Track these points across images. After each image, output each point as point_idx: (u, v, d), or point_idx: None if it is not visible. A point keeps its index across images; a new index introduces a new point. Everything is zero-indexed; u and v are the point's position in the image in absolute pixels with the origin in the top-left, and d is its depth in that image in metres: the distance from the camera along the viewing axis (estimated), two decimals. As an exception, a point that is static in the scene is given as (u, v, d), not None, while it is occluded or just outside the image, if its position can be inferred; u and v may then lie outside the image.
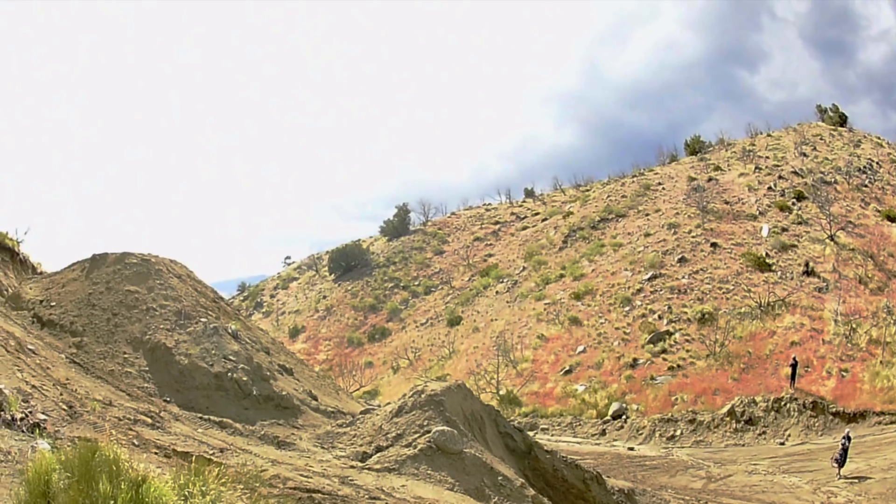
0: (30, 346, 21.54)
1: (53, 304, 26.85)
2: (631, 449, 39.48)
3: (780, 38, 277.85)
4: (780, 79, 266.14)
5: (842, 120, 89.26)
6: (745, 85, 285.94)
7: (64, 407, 17.15)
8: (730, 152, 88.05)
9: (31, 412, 15.55)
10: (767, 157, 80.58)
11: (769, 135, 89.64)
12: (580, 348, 53.52)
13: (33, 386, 17.65)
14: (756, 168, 77.18)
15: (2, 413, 14.14)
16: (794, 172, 73.80)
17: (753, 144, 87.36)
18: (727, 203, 70.37)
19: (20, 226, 35.18)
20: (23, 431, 13.99)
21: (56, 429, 15.34)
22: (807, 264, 56.01)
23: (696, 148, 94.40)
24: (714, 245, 61.89)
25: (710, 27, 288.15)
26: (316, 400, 26.58)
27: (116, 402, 19.75)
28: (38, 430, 14.40)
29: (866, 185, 70.82)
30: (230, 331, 26.87)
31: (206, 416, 21.44)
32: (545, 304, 63.96)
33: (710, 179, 78.37)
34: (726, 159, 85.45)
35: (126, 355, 24.33)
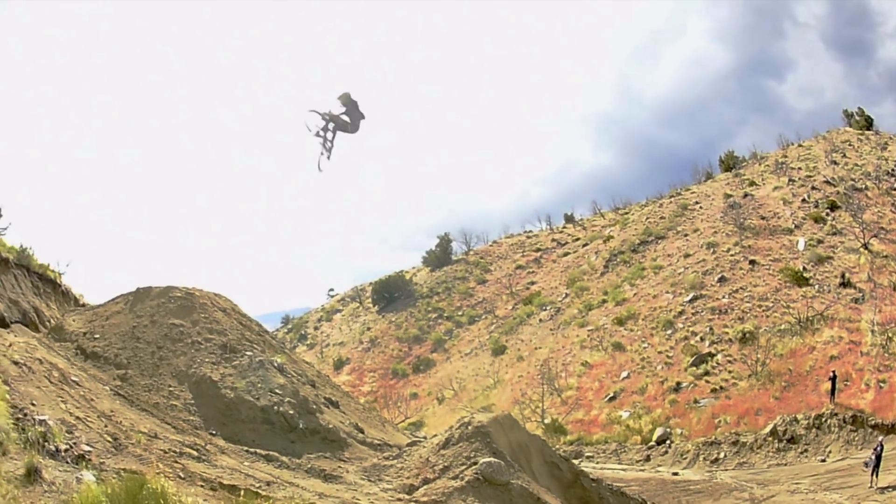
0: (73, 378, 21.61)
1: (97, 336, 26.92)
2: (675, 474, 39.17)
3: (803, 44, 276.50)
4: (807, 86, 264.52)
5: (868, 123, 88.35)
6: (774, 95, 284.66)
7: (109, 439, 17.17)
8: (763, 166, 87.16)
9: (75, 443, 15.59)
10: (800, 168, 79.74)
11: (800, 145, 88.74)
12: (624, 374, 53.27)
13: (77, 417, 17.68)
14: (790, 180, 76.44)
15: (46, 444, 14.19)
16: (827, 182, 73.12)
17: (786, 156, 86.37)
18: (763, 218, 69.78)
19: (62, 257, 35.26)
20: (67, 462, 14.06)
21: (101, 460, 15.37)
22: (843, 275, 55.54)
23: (730, 164, 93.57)
24: (752, 262, 61.35)
25: (736, 38, 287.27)
26: (362, 433, 26.49)
27: (162, 434, 19.80)
28: (82, 462, 14.35)
29: (895, 189, 70.04)
30: (276, 364, 26.87)
31: (252, 450, 21.46)
32: (588, 330, 63.76)
33: (745, 195, 77.64)
34: (760, 173, 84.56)
35: (171, 388, 24.39)
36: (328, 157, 24.33)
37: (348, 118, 24.28)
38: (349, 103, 24.29)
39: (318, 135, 24.10)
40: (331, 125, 24.07)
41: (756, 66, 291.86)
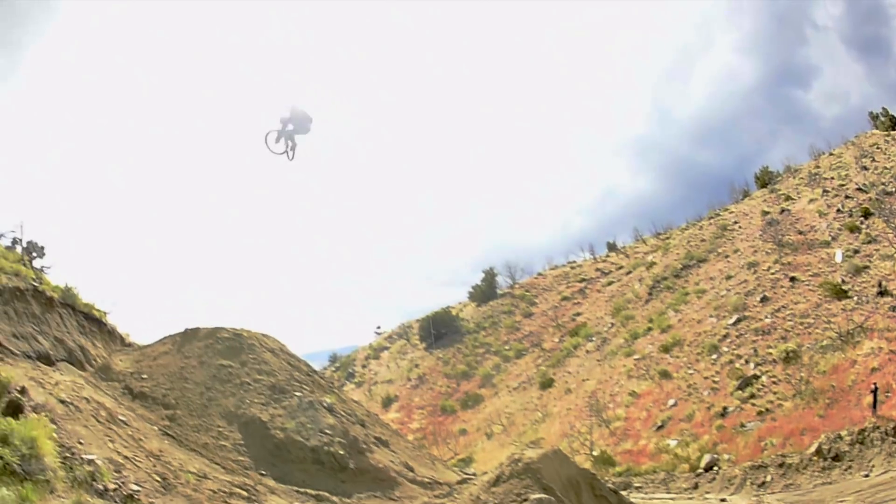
0: (121, 417, 21.67)
1: (145, 376, 27.04)
2: (723, 500, 38.69)
3: (824, 48, 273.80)
4: (832, 91, 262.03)
5: (893, 123, 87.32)
6: (802, 104, 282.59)
7: (157, 478, 17.19)
8: (797, 179, 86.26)
9: (123, 483, 15.61)
10: (832, 178, 79.03)
11: (831, 153, 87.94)
12: (671, 402, 52.90)
13: (125, 457, 17.72)
14: (823, 192, 75.86)
15: (94, 483, 14.12)
16: (859, 189, 72.51)
17: (818, 166, 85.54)
18: (801, 233, 69.24)
19: (108, 296, 35.42)
20: (115, 502, 13.98)
21: (150, 500, 15.47)
22: (879, 284, 55.09)
23: (765, 180, 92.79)
24: (793, 279, 60.75)
25: (761, 49, 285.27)
26: (412, 471, 26.45)
27: (211, 474, 19.85)
28: (131, 502, 14.30)
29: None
30: (325, 404, 26.96)
31: (302, 490, 21.55)
32: (635, 359, 63.39)
33: (782, 211, 77.21)
34: (795, 187, 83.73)
35: (220, 429, 24.46)
36: (292, 158, 25.54)
37: (297, 126, 25.43)
38: (295, 110, 25.51)
39: (284, 146, 25.46)
40: (289, 126, 25.25)
41: (782, 76, 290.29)
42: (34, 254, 40.13)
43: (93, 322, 36.64)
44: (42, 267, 38.82)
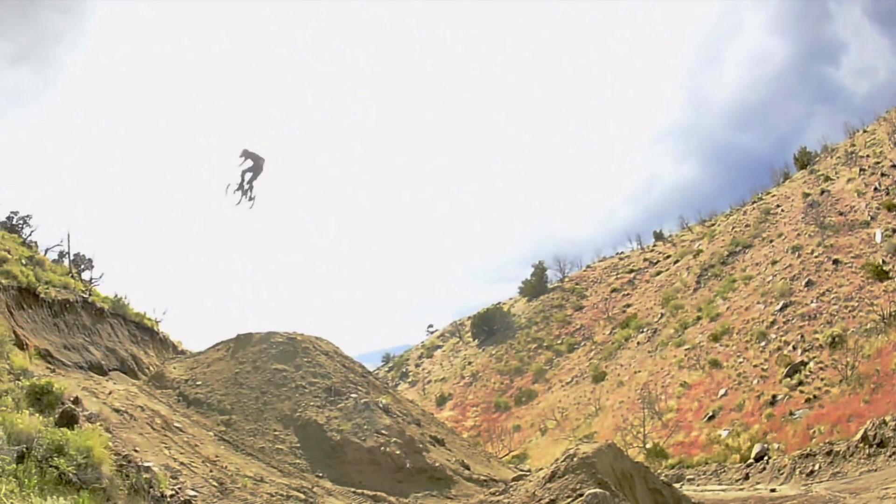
0: (176, 424, 21.81)
1: (199, 383, 27.24)
2: (773, 490, 38.27)
3: (850, 23, 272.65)
4: (861, 67, 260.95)
5: None
6: (833, 81, 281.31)
7: (214, 483, 17.24)
8: (834, 158, 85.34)
9: (180, 489, 15.72)
10: (868, 156, 78.09)
11: (864, 130, 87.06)
12: (722, 392, 52.44)
13: (182, 463, 17.82)
14: (860, 170, 74.93)
15: (151, 490, 14.19)
16: (894, 166, 71.65)
17: (853, 145, 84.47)
18: (841, 214, 68.36)
19: (159, 305, 35.69)
20: None
21: None
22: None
23: (804, 161, 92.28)
24: (836, 262, 59.97)
25: (789, 28, 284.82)
26: (468, 469, 26.50)
27: (268, 478, 19.95)
28: None
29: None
30: (381, 405, 27.11)
31: (359, 490, 21.47)
32: (685, 349, 63.08)
33: (822, 192, 76.27)
34: (833, 167, 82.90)
35: (276, 432, 24.64)
36: (252, 205, 28.08)
37: (252, 167, 28.08)
38: (250, 154, 28.02)
39: (244, 191, 28.08)
40: (247, 176, 27.72)
41: (812, 54, 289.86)
42: (82, 266, 40.36)
43: (144, 331, 36.97)
44: (91, 278, 39.03)
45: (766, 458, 41.84)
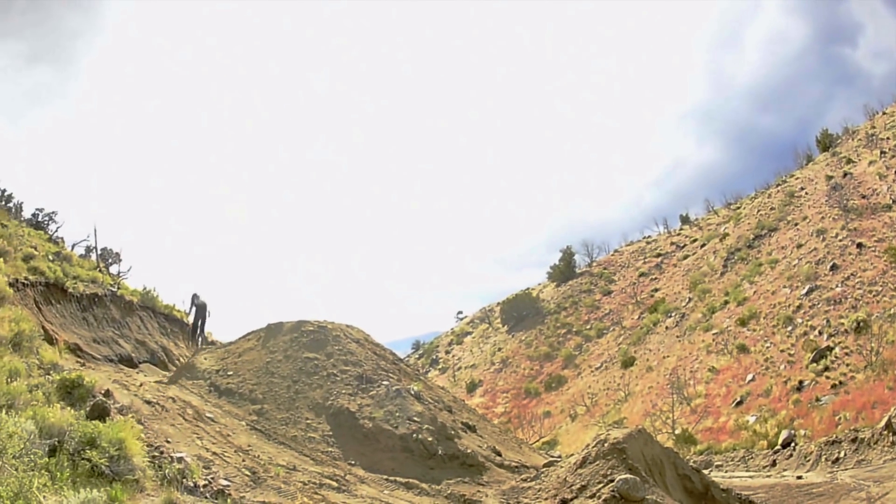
0: (208, 415, 21.95)
1: (230, 373, 27.38)
2: (799, 477, 38.08)
3: (863, 3, 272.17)
4: (878, 48, 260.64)
5: None
6: (852, 63, 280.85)
7: (247, 473, 17.31)
8: (856, 140, 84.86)
9: (213, 478, 15.79)
10: (888, 138, 77.54)
11: (884, 112, 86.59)
12: (749, 377, 52.15)
13: (214, 453, 17.91)
14: (881, 153, 74.43)
15: (184, 480, 14.25)
16: None
17: (874, 127, 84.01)
18: (864, 197, 67.92)
19: (188, 298, 36.09)
20: (206, 498, 14.18)
21: (240, 495, 15.58)
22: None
23: (826, 143, 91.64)
24: (860, 245, 59.49)
25: (805, 8, 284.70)
26: (500, 455, 26.47)
27: (300, 466, 20.04)
28: (221, 497, 14.34)
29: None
30: (413, 392, 27.09)
31: (391, 478, 21.50)
32: (713, 334, 62.94)
33: (845, 175, 75.68)
34: (854, 149, 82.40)
35: (309, 421, 24.70)
36: (201, 340, 33.23)
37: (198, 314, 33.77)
38: (198, 303, 33.85)
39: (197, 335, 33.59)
40: (199, 323, 33.46)
41: (829, 35, 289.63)
42: (110, 260, 40.51)
43: (174, 323, 37.19)
44: (119, 272, 39.17)
45: (792, 444, 41.66)
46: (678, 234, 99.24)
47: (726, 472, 41.61)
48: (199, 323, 32.98)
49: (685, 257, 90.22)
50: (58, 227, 42.27)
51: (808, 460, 39.55)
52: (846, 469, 37.35)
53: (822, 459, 38.88)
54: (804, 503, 32.58)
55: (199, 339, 32.10)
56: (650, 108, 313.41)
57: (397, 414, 24.93)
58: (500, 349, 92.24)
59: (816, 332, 51.55)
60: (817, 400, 43.97)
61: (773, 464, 41.18)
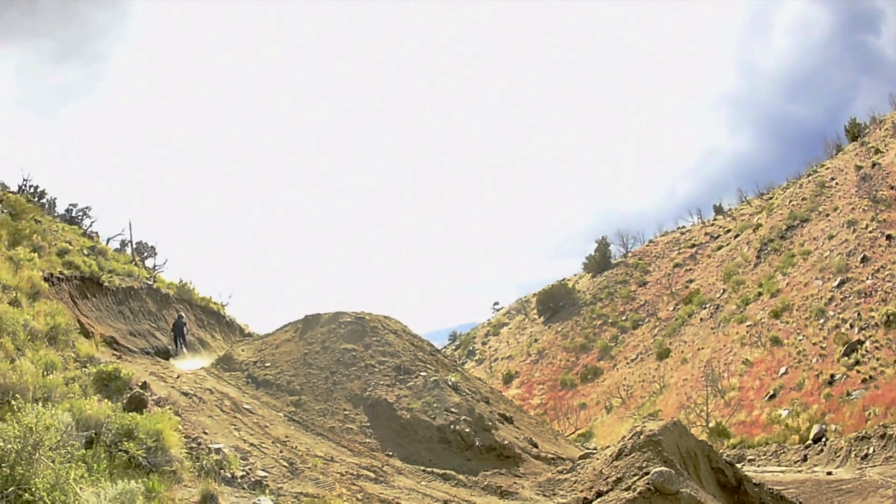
0: (246, 406, 22.13)
1: (268, 364, 27.58)
2: (829, 473, 37.83)
3: None
4: None
5: None
6: (876, 50, 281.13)
7: (284, 464, 17.39)
8: (883, 130, 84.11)
9: (251, 469, 15.94)
10: None
11: None
12: (782, 370, 51.68)
13: (251, 444, 18.07)
14: None
15: (221, 471, 14.36)
16: None
17: None
18: (892, 188, 66.87)
19: (224, 289, 36.50)
20: (244, 488, 14.22)
21: (278, 485, 15.70)
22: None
23: (854, 133, 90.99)
24: (889, 237, 58.53)
25: None
26: (536, 447, 26.47)
27: (338, 457, 20.14)
28: (259, 488, 14.37)
29: None
30: (450, 383, 27.13)
31: (429, 469, 21.46)
32: (747, 326, 62.52)
33: (874, 165, 74.53)
34: (882, 139, 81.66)
35: (346, 412, 24.88)
36: (185, 350, 32.75)
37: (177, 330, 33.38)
38: (178, 322, 33.46)
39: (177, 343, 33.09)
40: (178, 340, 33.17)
41: (854, 22, 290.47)
42: (145, 253, 40.75)
43: (210, 315, 37.38)
44: (155, 265, 39.39)
45: (823, 439, 41.41)
46: (712, 225, 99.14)
47: (758, 466, 41.48)
48: (182, 338, 33.47)
49: (719, 248, 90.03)
50: (92, 222, 42.57)
51: (838, 456, 39.31)
52: (874, 466, 37.15)
53: (852, 455, 38.64)
54: (833, 499, 32.49)
55: (184, 346, 33.06)
56: (682, 95, 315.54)
57: (435, 405, 24.95)
58: (536, 340, 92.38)
59: (848, 326, 51.05)
60: (848, 394, 43.64)
61: (805, 459, 40.98)
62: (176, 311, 34.52)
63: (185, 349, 31.78)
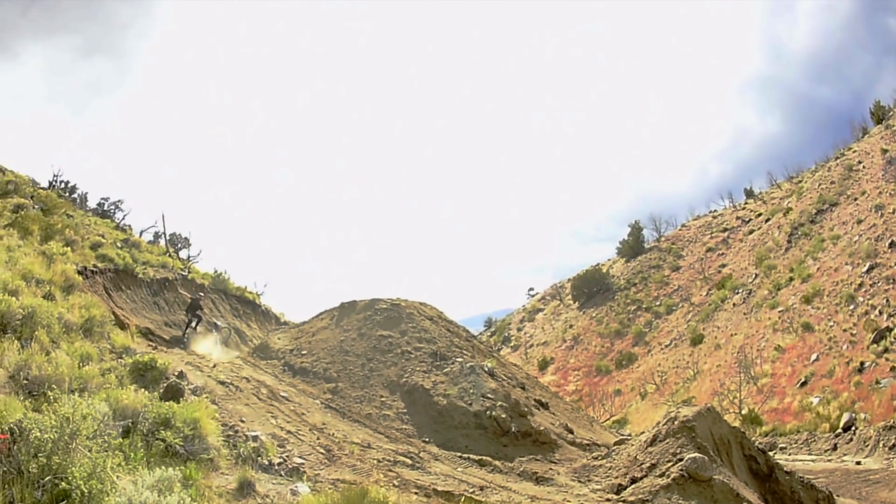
0: (283, 394, 22.34)
1: (304, 352, 27.85)
2: (858, 463, 37.66)
3: None
4: None
5: None
6: None
7: (322, 450, 17.52)
8: None
9: (288, 457, 16.11)
10: None
11: None
12: (814, 356, 51.27)
13: (288, 431, 18.29)
14: None
15: (258, 459, 14.47)
16: None
17: None
18: None
19: (260, 279, 36.90)
20: (281, 475, 14.49)
21: (315, 472, 15.83)
22: None
23: (880, 115, 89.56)
24: None
25: None
26: (572, 433, 26.56)
27: (375, 444, 20.40)
28: (296, 475, 14.50)
29: None
30: (486, 369, 27.20)
31: (465, 455, 21.53)
32: (779, 311, 62.24)
33: None
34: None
35: (383, 399, 25.10)
36: (195, 329, 32.17)
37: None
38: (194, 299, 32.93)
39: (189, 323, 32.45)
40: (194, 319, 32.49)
41: (874, 3, 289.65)
42: (179, 245, 41.05)
43: (246, 304, 37.66)
44: (189, 256, 39.66)
45: (853, 428, 41.17)
46: (743, 209, 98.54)
47: (789, 454, 41.30)
48: (196, 320, 32.92)
49: (751, 232, 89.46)
50: (125, 215, 42.93)
51: (867, 445, 39.05)
52: (902, 456, 36.97)
53: (880, 445, 38.41)
54: (861, 490, 32.35)
55: (193, 325, 32.60)
56: (711, 78, 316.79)
57: (471, 391, 25.02)
58: (571, 326, 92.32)
59: (877, 312, 50.57)
60: (877, 382, 43.30)
61: (835, 448, 40.77)
62: (195, 291, 34.60)
63: (196, 328, 31.71)
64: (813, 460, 39.42)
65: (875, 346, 46.46)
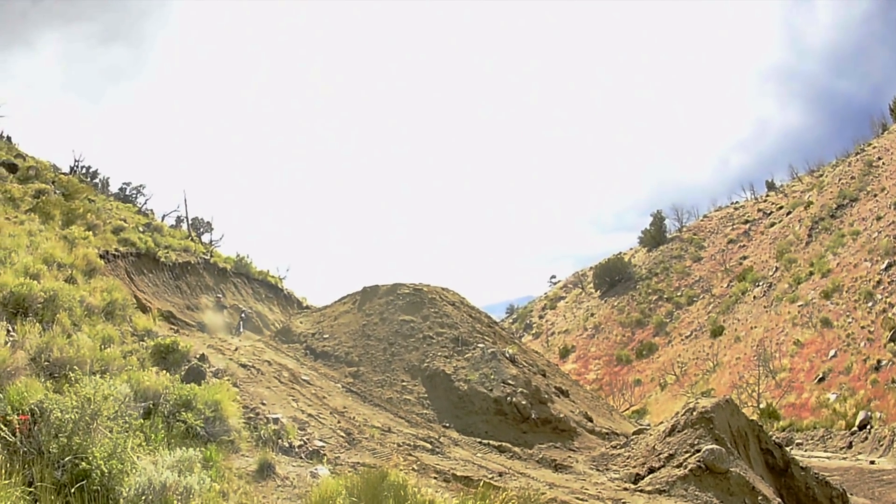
0: (304, 377, 22.43)
1: (326, 336, 27.97)
2: (872, 462, 37.47)
3: None
4: None
5: None
6: None
7: (342, 434, 17.59)
8: None
9: (308, 440, 16.21)
10: None
11: None
12: (832, 352, 50.98)
13: (309, 414, 18.39)
14: None
15: (279, 441, 14.53)
16: None
17: None
18: None
19: (282, 263, 37.12)
20: (301, 458, 14.52)
21: (335, 455, 15.92)
22: None
23: None
24: None
25: None
26: (591, 421, 26.60)
27: (395, 428, 20.46)
28: (316, 457, 14.51)
29: None
30: (508, 355, 27.22)
31: (485, 441, 21.59)
32: (798, 306, 61.89)
33: None
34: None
35: (404, 383, 25.20)
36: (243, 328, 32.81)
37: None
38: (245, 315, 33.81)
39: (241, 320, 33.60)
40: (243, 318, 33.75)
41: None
42: (201, 229, 41.09)
43: (269, 288, 37.87)
44: (211, 240, 39.75)
45: (868, 427, 40.97)
46: (765, 201, 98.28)
47: (805, 451, 41.19)
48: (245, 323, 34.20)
49: (772, 225, 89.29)
50: (146, 200, 43.04)
51: (882, 444, 38.93)
52: (916, 456, 36.84)
53: (894, 445, 38.25)
54: (874, 489, 32.24)
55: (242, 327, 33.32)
56: (732, 67, 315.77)
57: (492, 377, 25.03)
58: (592, 314, 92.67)
59: (894, 311, 50.36)
60: (893, 381, 43.08)
61: (850, 445, 40.64)
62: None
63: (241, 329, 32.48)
64: (828, 457, 39.30)
65: (892, 344, 46.19)
